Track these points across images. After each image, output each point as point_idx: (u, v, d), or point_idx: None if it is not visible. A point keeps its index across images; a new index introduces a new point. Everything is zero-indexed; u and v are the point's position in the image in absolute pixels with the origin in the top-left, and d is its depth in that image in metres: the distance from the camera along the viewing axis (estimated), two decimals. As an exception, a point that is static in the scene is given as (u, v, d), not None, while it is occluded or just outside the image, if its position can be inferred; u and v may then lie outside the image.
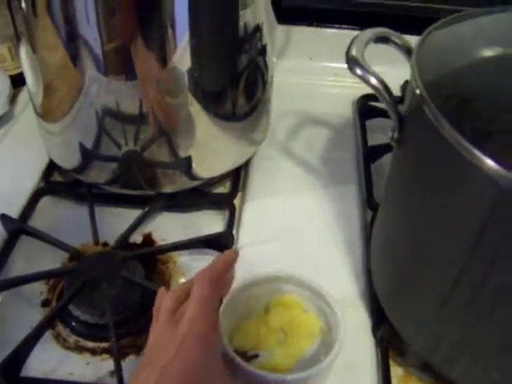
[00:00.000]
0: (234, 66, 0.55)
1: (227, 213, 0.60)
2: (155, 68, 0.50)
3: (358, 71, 0.40)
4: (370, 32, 0.43)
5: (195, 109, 0.54)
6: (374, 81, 0.39)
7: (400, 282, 0.44)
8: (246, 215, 0.60)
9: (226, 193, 0.62)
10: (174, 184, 0.59)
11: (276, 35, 0.61)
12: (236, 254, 0.43)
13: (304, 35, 0.80)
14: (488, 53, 0.39)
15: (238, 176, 0.64)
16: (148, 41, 0.48)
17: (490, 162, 0.30)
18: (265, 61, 0.58)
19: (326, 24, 0.79)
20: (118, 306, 0.49)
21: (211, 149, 0.58)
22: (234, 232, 0.58)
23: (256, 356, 0.45)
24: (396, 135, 0.40)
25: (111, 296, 0.50)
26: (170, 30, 0.48)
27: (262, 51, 0.57)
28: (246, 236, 0.58)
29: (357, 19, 0.76)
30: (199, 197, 0.61)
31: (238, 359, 0.41)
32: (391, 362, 0.47)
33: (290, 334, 0.46)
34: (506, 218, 0.31)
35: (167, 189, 0.59)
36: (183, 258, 0.57)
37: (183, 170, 0.58)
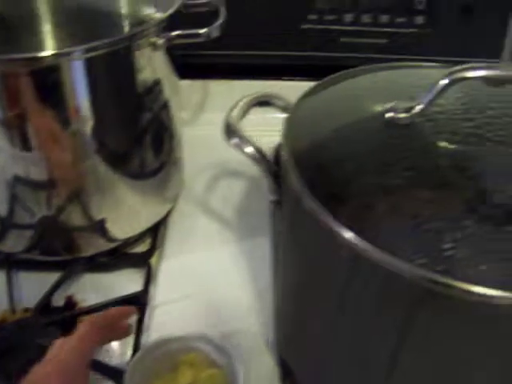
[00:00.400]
0: (137, 125, 0.57)
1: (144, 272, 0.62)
2: (58, 133, 0.52)
3: (234, 140, 0.43)
4: (252, 97, 0.47)
5: (103, 170, 0.56)
6: (249, 149, 0.42)
7: (292, 333, 0.47)
8: (162, 274, 0.62)
9: (142, 252, 0.64)
10: (91, 247, 0.61)
11: (180, 91, 0.64)
12: (131, 310, 0.50)
13: (220, 88, 0.83)
14: (359, 115, 0.42)
15: (156, 234, 0.66)
16: (48, 107, 0.50)
17: (344, 230, 0.34)
18: (169, 117, 0.61)
19: (241, 77, 0.83)
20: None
21: (124, 209, 0.60)
22: (152, 290, 0.60)
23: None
24: (274, 197, 0.43)
25: (24, 365, 0.51)
26: (69, 95, 0.50)
27: (165, 108, 0.60)
28: (161, 294, 0.60)
29: (272, 71, 0.80)
30: (117, 258, 0.63)
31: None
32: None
33: (198, 391, 0.48)
34: (362, 282, 0.35)
35: (85, 252, 0.61)
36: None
37: (99, 233, 0.60)
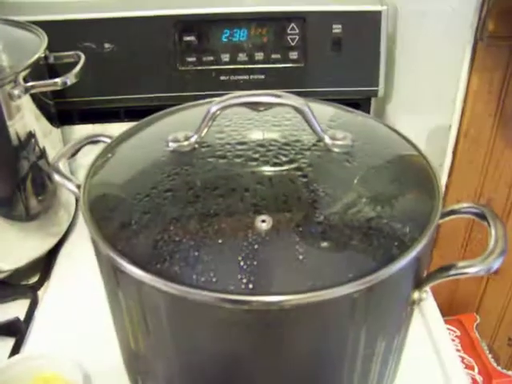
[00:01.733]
0: (16, 173, 0.63)
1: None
2: None
3: (56, 177, 0.48)
4: (84, 137, 0.51)
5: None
6: (70, 186, 0.47)
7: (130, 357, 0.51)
8: (46, 302, 0.67)
9: (30, 283, 0.69)
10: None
11: (55, 138, 0.70)
12: None
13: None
14: (151, 148, 0.47)
15: (47, 264, 0.71)
16: None
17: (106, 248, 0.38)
18: (47, 162, 0.67)
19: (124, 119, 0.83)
20: None
21: (8, 245, 0.66)
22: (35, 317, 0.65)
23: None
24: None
25: None
26: None
27: (42, 154, 0.65)
28: (42, 321, 0.64)
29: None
30: (4, 288, 0.68)
31: None
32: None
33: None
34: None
35: (-27, 285, 0.66)
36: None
37: (-15, 266, 0.65)
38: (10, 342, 0.62)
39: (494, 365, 0.79)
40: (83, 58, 0.63)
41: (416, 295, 0.43)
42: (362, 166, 0.43)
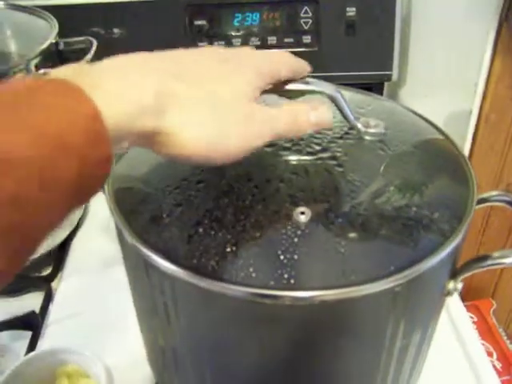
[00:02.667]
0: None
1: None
2: None
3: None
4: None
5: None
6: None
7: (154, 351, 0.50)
8: (60, 294, 0.65)
9: (43, 275, 0.68)
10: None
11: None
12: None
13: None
14: None
15: (60, 256, 0.70)
16: None
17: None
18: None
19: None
20: None
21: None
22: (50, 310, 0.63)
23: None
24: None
25: None
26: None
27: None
28: (58, 314, 0.63)
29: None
30: (18, 281, 0.67)
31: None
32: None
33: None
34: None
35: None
36: (2, 339, 0.62)
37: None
38: (25, 335, 0.61)
39: (513, 350, 0.79)
40: (95, 43, 0.61)
41: (451, 285, 0.42)
42: (396, 155, 0.42)
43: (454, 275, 0.42)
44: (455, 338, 0.60)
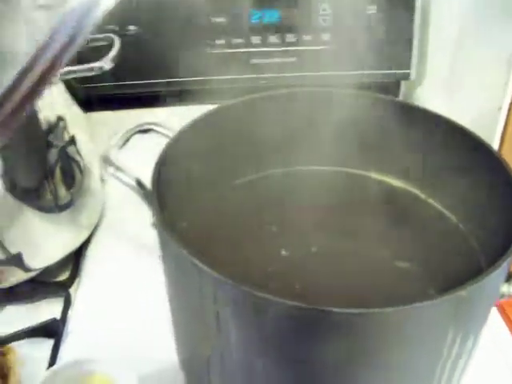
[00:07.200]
0: (45, 160, 0.59)
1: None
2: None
3: (109, 170, 0.44)
4: (134, 126, 0.48)
5: (16, 208, 0.58)
6: (125, 179, 0.44)
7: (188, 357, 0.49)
8: (79, 300, 0.63)
9: (62, 281, 0.66)
10: (9, 277, 0.62)
11: (83, 124, 0.66)
12: None
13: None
14: None
15: (77, 261, 0.67)
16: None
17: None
18: (77, 149, 0.63)
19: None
20: None
21: (39, 241, 0.62)
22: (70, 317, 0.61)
23: None
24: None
25: None
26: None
27: (72, 143, 0.62)
28: (78, 321, 0.61)
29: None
30: (36, 287, 0.64)
31: None
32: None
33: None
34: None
35: (3, 283, 0.62)
36: (23, 348, 0.60)
37: (15, 264, 0.61)
38: (44, 343, 0.59)
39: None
40: (118, 40, 0.59)
41: (505, 288, 0.41)
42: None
43: (508, 278, 0.41)
44: (490, 339, 0.59)
